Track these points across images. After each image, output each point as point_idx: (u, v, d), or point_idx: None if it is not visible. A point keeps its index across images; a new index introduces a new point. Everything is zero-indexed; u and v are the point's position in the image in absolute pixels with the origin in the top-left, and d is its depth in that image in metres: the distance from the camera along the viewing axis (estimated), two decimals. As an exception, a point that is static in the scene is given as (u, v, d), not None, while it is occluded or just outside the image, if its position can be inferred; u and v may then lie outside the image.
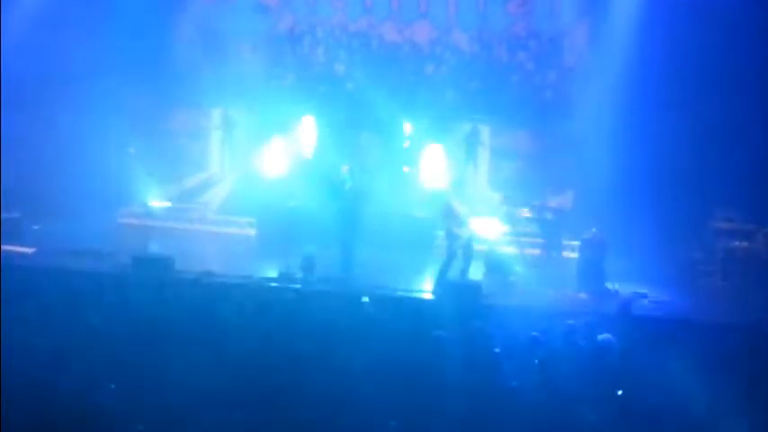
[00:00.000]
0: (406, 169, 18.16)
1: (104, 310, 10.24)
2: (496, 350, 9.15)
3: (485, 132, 19.42)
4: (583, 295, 14.33)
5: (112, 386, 7.64)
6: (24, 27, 18.12)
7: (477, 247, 14.96)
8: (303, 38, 19.93)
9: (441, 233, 15.51)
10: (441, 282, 14.18)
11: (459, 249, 14.46)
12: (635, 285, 14.72)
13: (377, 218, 17.35)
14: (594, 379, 8.63)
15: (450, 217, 14.59)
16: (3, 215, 15.82)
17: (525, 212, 16.16)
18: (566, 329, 10.23)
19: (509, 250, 16.03)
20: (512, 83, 19.46)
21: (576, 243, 16.08)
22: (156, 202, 19.16)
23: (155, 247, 15.55)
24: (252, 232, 18.65)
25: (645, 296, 14.23)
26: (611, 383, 8.48)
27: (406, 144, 19.04)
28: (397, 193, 18.43)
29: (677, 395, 8.36)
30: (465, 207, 14.62)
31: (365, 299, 11.99)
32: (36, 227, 16.83)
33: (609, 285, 14.53)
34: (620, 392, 8.36)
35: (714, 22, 17.21)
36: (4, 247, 14.52)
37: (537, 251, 16.01)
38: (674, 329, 12.00)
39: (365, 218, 15.22)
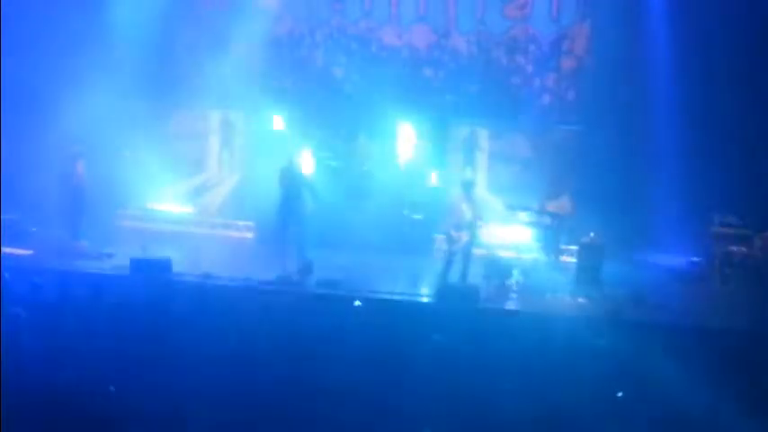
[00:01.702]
0: None
1: (103, 313, 10.26)
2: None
3: (483, 136, 19.42)
4: (581, 300, 14.34)
5: (112, 388, 7.65)
6: (25, 28, 18.13)
7: (475, 251, 14.97)
8: (302, 41, 19.92)
9: (441, 236, 15.56)
10: (440, 285, 14.21)
11: (458, 253, 14.49)
12: (633, 290, 14.73)
13: (374, 220, 17.39)
14: (594, 382, 8.65)
15: (450, 218, 14.62)
16: (2, 216, 15.82)
17: (523, 217, 16.15)
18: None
19: (507, 254, 16.05)
20: (510, 86, 19.43)
21: (574, 247, 16.09)
22: (155, 204, 19.17)
23: (153, 250, 15.54)
24: (250, 235, 18.66)
25: (643, 301, 14.22)
26: (611, 387, 8.50)
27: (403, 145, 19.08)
28: (394, 195, 18.43)
29: (674, 399, 8.37)
30: (472, 211, 14.60)
31: (357, 303, 12.01)
32: (34, 228, 16.80)
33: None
34: (619, 394, 8.39)
35: (715, 25, 17.23)
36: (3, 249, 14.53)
37: (535, 255, 15.99)
38: (671, 334, 12.00)
39: (306, 211, 15.24)
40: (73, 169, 16.33)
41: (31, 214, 16.91)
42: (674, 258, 16.92)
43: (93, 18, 18.52)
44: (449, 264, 14.45)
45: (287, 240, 15.28)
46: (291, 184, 15.31)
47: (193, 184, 19.89)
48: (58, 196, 16.34)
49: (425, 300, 14.21)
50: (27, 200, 16.94)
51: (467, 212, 14.55)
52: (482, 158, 19.41)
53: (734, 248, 15.82)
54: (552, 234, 15.90)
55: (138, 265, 14.26)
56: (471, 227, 14.50)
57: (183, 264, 14.68)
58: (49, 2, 18.32)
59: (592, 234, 15.40)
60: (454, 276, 14.52)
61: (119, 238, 16.91)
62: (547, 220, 15.84)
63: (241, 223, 19.05)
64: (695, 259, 16.57)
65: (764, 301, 14.55)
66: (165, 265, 14.32)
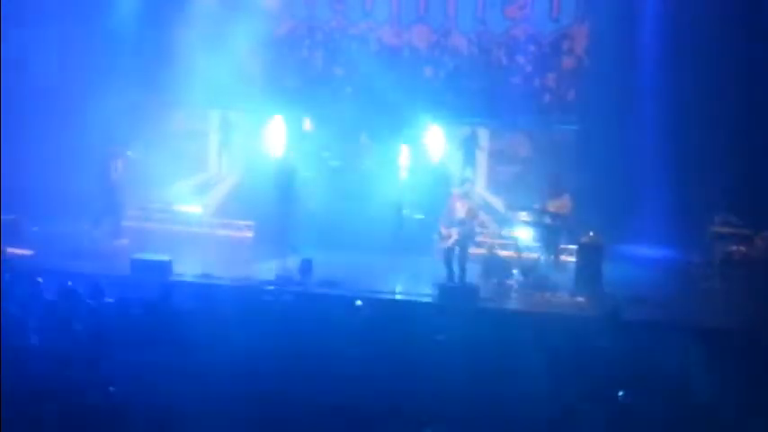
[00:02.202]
0: None
1: (103, 313, 10.27)
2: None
3: (483, 136, 19.44)
4: (581, 299, 14.34)
5: (112, 389, 7.66)
6: (25, 28, 18.13)
7: (474, 250, 14.97)
8: (302, 41, 19.93)
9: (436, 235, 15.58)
10: (440, 285, 14.22)
11: (454, 250, 14.45)
12: (633, 289, 14.73)
13: (374, 220, 17.39)
14: (594, 381, 8.66)
15: (443, 216, 14.62)
16: (2, 216, 15.83)
17: (524, 216, 16.16)
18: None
19: (507, 254, 16.06)
20: (510, 86, 19.44)
21: (573, 247, 16.09)
22: (155, 203, 19.16)
23: (153, 250, 15.54)
24: (250, 235, 18.65)
25: (643, 301, 14.23)
26: (611, 387, 8.50)
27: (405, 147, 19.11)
28: (394, 194, 18.43)
29: (675, 399, 8.38)
30: (466, 209, 14.59)
31: (358, 302, 12.03)
32: (35, 228, 16.82)
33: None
34: (620, 394, 8.39)
35: (714, 25, 17.23)
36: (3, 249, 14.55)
37: (535, 255, 16.00)
38: (671, 334, 12.00)
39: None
40: (108, 168, 16.43)
41: (31, 214, 16.92)
42: (674, 258, 16.91)
43: (94, 17, 18.53)
44: (448, 263, 14.45)
45: (287, 240, 15.31)
46: (289, 184, 15.35)
47: (193, 183, 19.90)
48: (92, 193, 16.50)
49: (425, 299, 14.20)
50: (27, 200, 16.95)
51: (460, 210, 14.54)
52: (482, 158, 19.44)
53: (734, 248, 15.82)
54: (552, 234, 15.90)
55: (139, 266, 14.27)
56: (463, 225, 14.47)
57: (183, 263, 14.69)
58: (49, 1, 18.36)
59: (591, 234, 15.39)
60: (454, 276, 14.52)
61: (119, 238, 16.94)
62: (547, 219, 15.84)
63: (241, 223, 19.03)
64: (695, 259, 16.56)
65: (764, 300, 14.56)
66: (165, 266, 14.32)
